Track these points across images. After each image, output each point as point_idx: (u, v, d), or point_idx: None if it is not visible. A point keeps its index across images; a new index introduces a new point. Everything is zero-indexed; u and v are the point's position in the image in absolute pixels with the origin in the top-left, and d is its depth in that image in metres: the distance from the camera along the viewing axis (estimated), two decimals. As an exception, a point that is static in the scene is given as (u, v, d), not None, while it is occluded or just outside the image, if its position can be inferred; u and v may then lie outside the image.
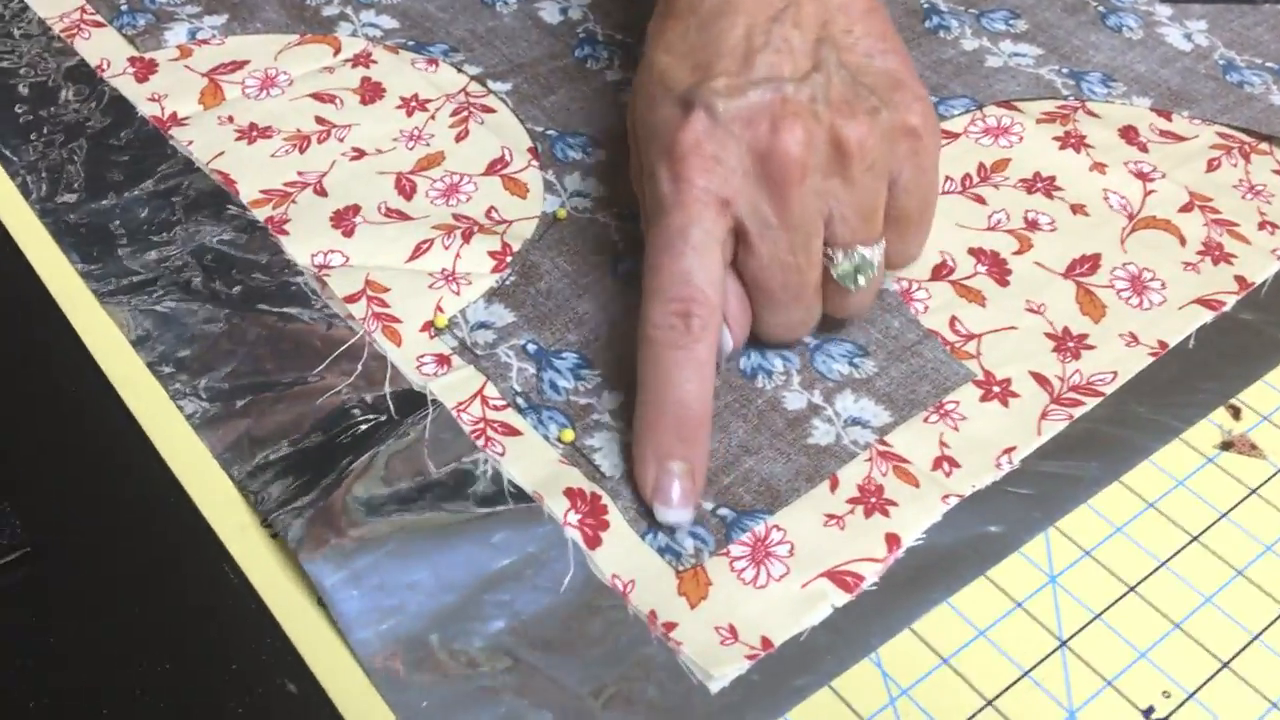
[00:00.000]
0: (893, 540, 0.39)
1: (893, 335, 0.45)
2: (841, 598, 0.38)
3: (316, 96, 0.54)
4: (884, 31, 0.43)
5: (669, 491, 0.38)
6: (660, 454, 0.39)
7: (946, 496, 0.40)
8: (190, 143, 0.51)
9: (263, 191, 0.50)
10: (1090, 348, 0.45)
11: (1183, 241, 0.50)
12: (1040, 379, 0.44)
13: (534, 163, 0.51)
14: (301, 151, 0.51)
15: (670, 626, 0.37)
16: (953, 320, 0.46)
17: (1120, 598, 0.38)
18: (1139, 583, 0.39)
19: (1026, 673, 0.37)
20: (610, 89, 0.55)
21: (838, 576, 0.38)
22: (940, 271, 0.48)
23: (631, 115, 0.44)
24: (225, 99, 0.54)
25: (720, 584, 0.38)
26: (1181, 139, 0.54)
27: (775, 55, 0.40)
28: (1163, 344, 0.46)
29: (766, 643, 0.37)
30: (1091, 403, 0.44)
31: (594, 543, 0.39)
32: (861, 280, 0.42)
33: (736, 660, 0.36)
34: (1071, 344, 0.45)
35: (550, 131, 0.53)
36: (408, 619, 0.36)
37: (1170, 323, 0.46)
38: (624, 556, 0.38)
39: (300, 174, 0.50)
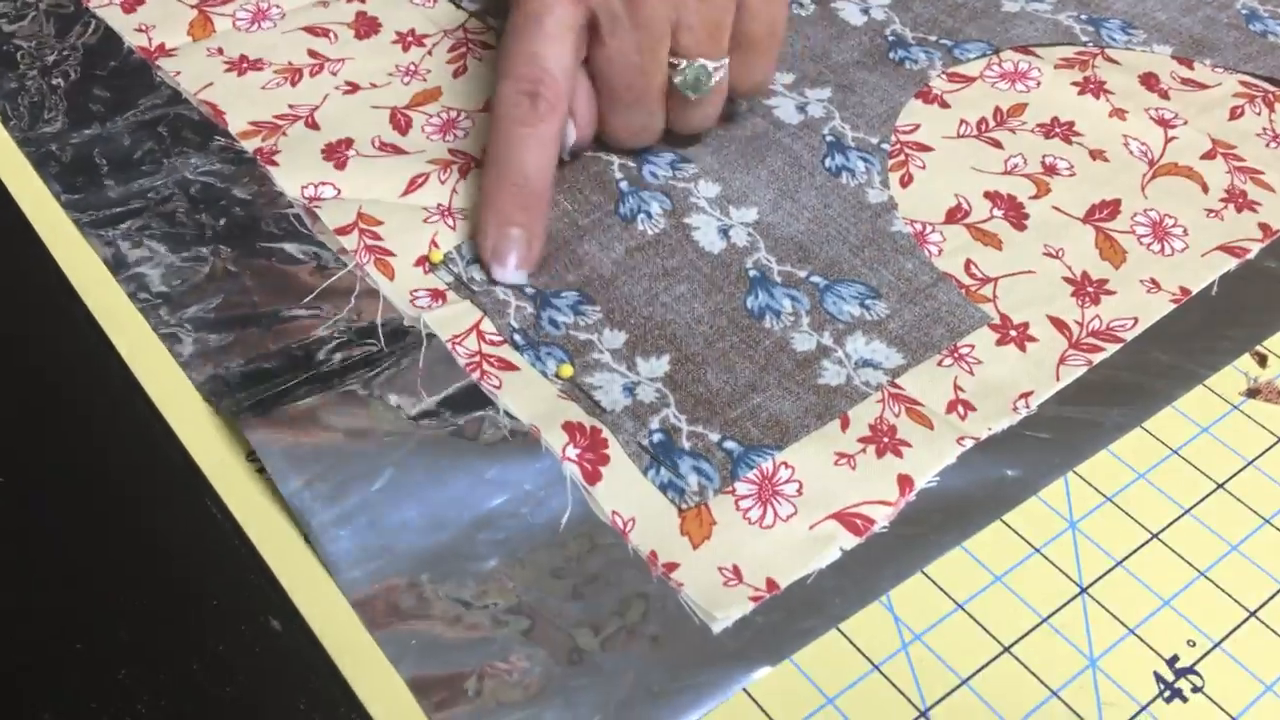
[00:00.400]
0: (905, 482, 0.37)
1: (905, 277, 0.44)
2: (851, 540, 0.36)
3: (309, 30, 0.52)
4: None
5: (506, 255, 0.42)
6: (500, 220, 0.42)
7: (961, 439, 0.39)
8: (178, 74, 0.50)
9: (252, 123, 0.48)
10: (1110, 293, 0.44)
11: (1205, 188, 0.48)
12: (1058, 324, 0.43)
13: (534, 100, 0.49)
14: (293, 85, 0.50)
15: (671, 567, 0.35)
16: (968, 263, 0.44)
17: (1143, 544, 0.37)
18: (1162, 530, 0.37)
19: (1045, 619, 0.35)
20: (614, 28, 0.53)
21: (847, 519, 0.36)
22: (955, 215, 0.46)
23: None
24: (215, 31, 0.52)
25: (725, 523, 0.36)
26: (1204, 86, 0.52)
27: None
28: (1185, 290, 0.44)
29: (772, 584, 0.35)
30: (1112, 349, 0.42)
31: (593, 478, 0.37)
32: (699, 91, 0.44)
33: (740, 601, 0.34)
34: (1091, 289, 0.44)
35: (552, 69, 0.51)
36: (398, 558, 0.35)
37: (1193, 269, 0.45)
38: (624, 492, 0.37)
39: (291, 106, 0.49)
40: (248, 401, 0.37)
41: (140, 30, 0.51)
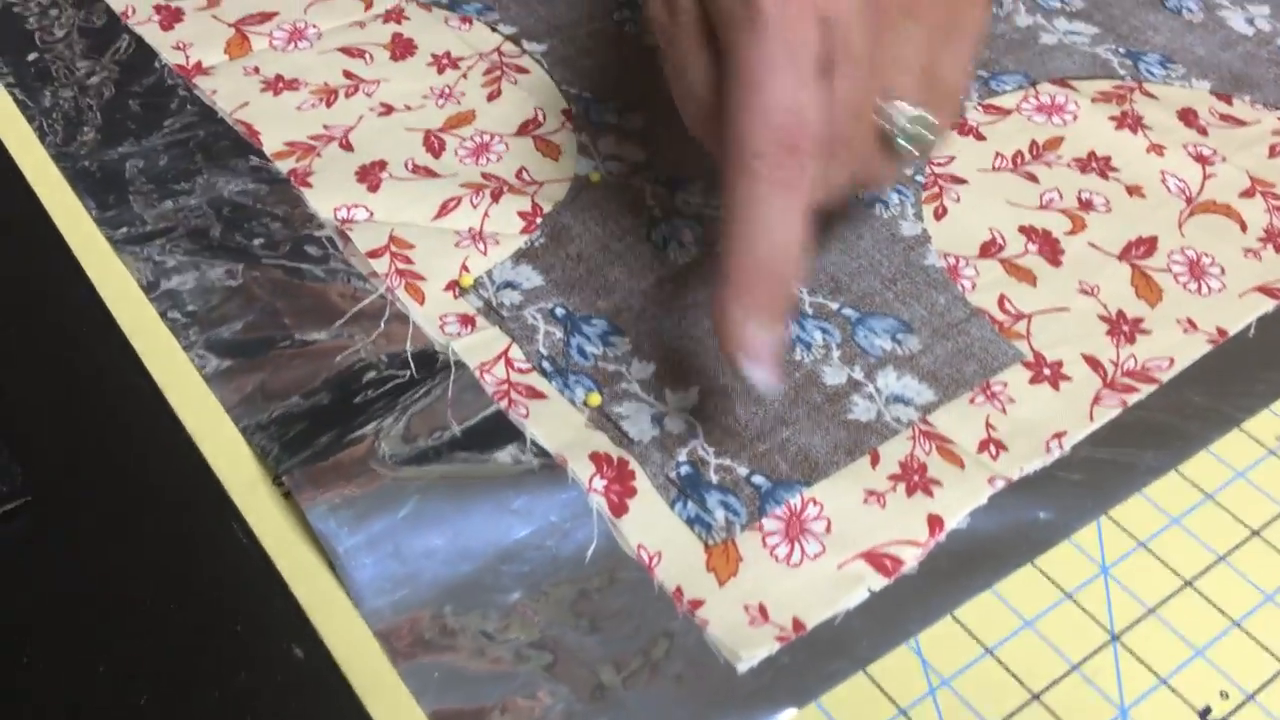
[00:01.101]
0: (935, 523, 0.37)
1: (938, 312, 0.43)
2: (879, 581, 0.36)
3: (345, 51, 0.52)
4: None
5: (759, 346, 0.34)
6: (756, 307, 0.34)
7: (993, 479, 0.38)
8: (214, 92, 0.50)
9: (287, 144, 0.48)
10: (1146, 332, 0.43)
11: (1244, 227, 0.47)
12: (1093, 363, 0.42)
13: (567, 125, 0.50)
14: (328, 105, 0.50)
15: (697, 604, 0.35)
16: (1002, 299, 0.44)
17: (1176, 592, 0.36)
18: (1196, 577, 0.37)
19: (1075, 667, 0.34)
20: (648, 54, 0.53)
21: (876, 559, 0.36)
22: (989, 249, 0.46)
23: None
24: (252, 50, 0.52)
25: (751, 560, 0.36)
26: (1242, 123, 0.52)
27: None
28: (1222, 331, 0.43)
29: (798, 624, 0.35)
30: (1147, 389, 0.41)
31: (619, 510, 0.37)
32: (920, 143, 0.37)
33: (766, 641, 0.34)
34: (1126, 328, 0.43)
35: (585, 94, 0.51)
36: (422, 588, 0.35)
37: (1230, 310, 0.44)
38: (651, 526, 0.36)
39: (326, 128, 0.49)
40: (296, 465, 0.37)
41: (178, 48, 0.52)
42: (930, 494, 0.38)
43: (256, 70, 0.51)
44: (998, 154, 0.50)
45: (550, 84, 0.52)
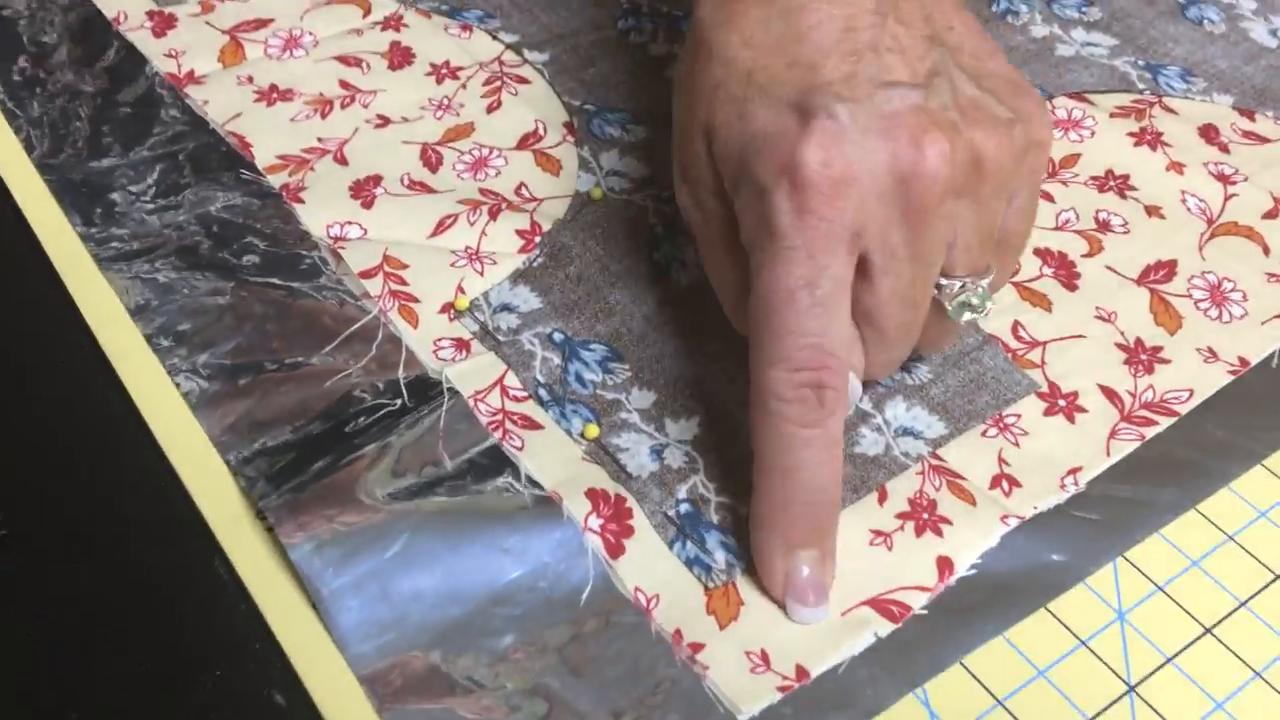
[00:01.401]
0: (945, 565, 0.36)
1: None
2: (886, 627, 0.34)
3: (342, 59, 0.51)
4: (979, 28, 0.37)
5: (804, 589, 0.34)
6: (791, 543, 0.34)
7: (1005, 517, 0.37)
8: (206, 102, 0.48)
9: (280, 157, 0.46)
10: (1165, 361, 0.42)
11: (1266, 250, 0.46)
12: (1110, 394, 0.41)
13: (569, 138, 0.48)
14: (323, 117, 0.48)
15: (697, 648, 0.33)
16: (1015, 325, 0.42)
17: (1195, 640, 0.35)
18: (1216, 624, 0.35)
19: (1091, 719, 0.33)
20: (653, 64, 0.52)
21: (882, 605, 0.35)
22: (1003, 272, 0.44)
23: (701, 116, 0.36)
24: (246, 58, 0.51)
25: (753, 604, 0.35)
26: (1265, 140, 0.50)
27: (890, 56, 0.34)
28: (1244, 361, 0.42)
29: (802, 672, 0.33)
30: (1165, 422, 0.40)
31: (616, 551, 0.35)
32: (970, 315, 0.36)
33: (768, 691, 0.33)
34: (1144, 357, 0.42)
35: (588, 106, 0.49)
36: (409, 632, 0.33)
37: (1252, 338, 0.43)
38: (648, 567, 0.35)
39: (321, 140, 0.47)
40: (278, 498, 0.35)
41: (170, 56, 0.50)
42: (940, 534, 0.36)
43: (250, 79, 0.50)
44: (1012, 171, 0.48)
45: (552, 95, 0.50)
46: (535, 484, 0.36)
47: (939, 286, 0.35)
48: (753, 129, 0.34)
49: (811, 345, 0.33)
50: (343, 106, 0.49)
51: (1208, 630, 0.35)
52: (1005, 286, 0.43)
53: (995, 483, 0.38)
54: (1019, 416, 0.40)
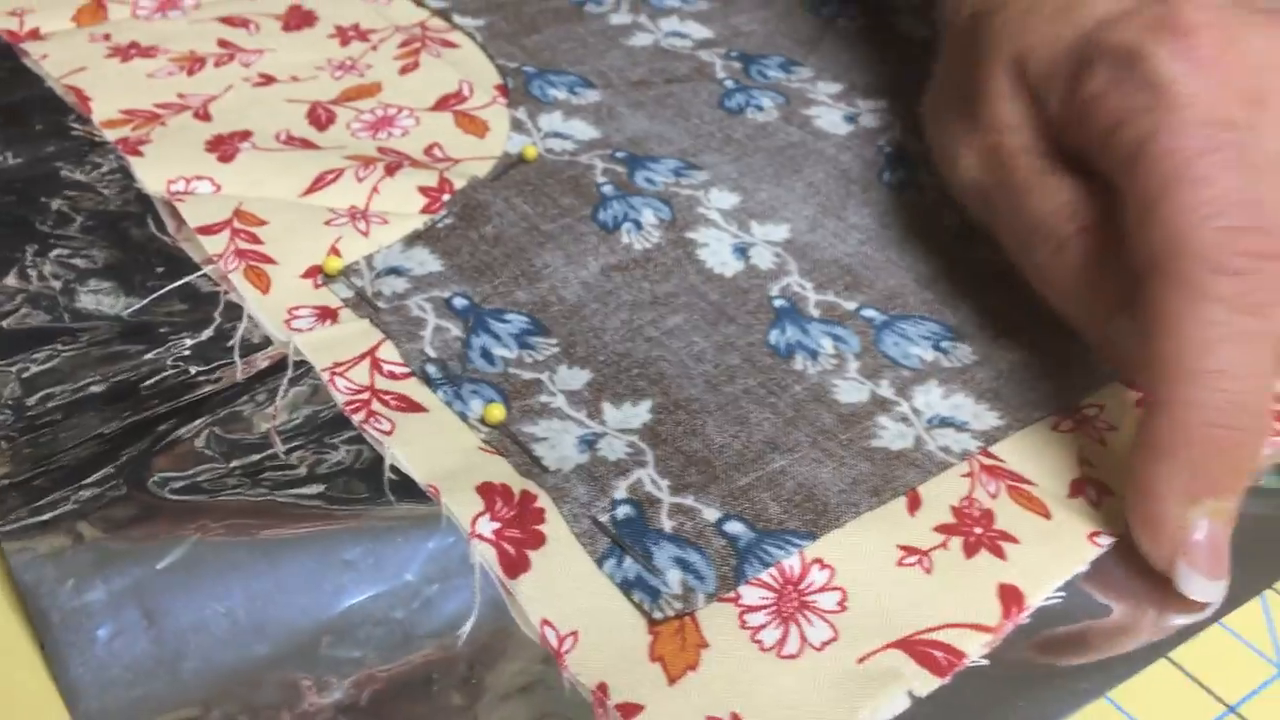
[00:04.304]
0: (1011, 597, 0.24)
1: (999, 314, 0.30)
2: (927, 682, 0.22)
3: (227, 20, 0.41)
4: None
5: (1203, 551, 0.24)
6: (1194, 487, 0.24)
7: (1096, 535, 0.25)
8: (44, 57, 0.38)
9: (124, 111, 0.36)
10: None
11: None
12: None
13: (500, 100, 0.38)
14: (190, 74, 0.38)
15: (631, 710, 0.21)
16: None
17: (1403, 706, 0.22)
18: None
19: (1259, 825, 0.20)
20: (614, 31, 0.42)
21: (919, 649, 0.23)
22: (1063, 245, 0.33)
23: (1005, 50, 0.30)
24: (108, 19, 0.41)
25: (722, 649, 0.22)
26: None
27: None
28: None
29: (797, 748, 0.21)
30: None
31: (517, 567, 0.23)
32: None
33: (743, 775, 0.20)
34: None
35: (527, 68, 0.39)
36: (183, 682, 0.21)
37: None
38: (564, 593, 0.23)
39: (181, 96, 0.37)
40: (29, 519, 0.24)
41: (13, 15, 0.40)
42: (1001, 555, 0.24)
43: (107, 37, 0.40)
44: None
45: (483, 58, 0.40)
46: (402, 475, 0.25)
47: None
48: (1093, 19, 0.28)
49: (1252, 199, 0.24)
50: (216, 65, 0.39)
51: None
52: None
53: (1077, 490, 0.26)
54: (1101, 408, 0.28)
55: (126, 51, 0.39)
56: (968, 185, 0.30)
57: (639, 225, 0.33)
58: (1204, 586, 0.24)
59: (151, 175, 0.33)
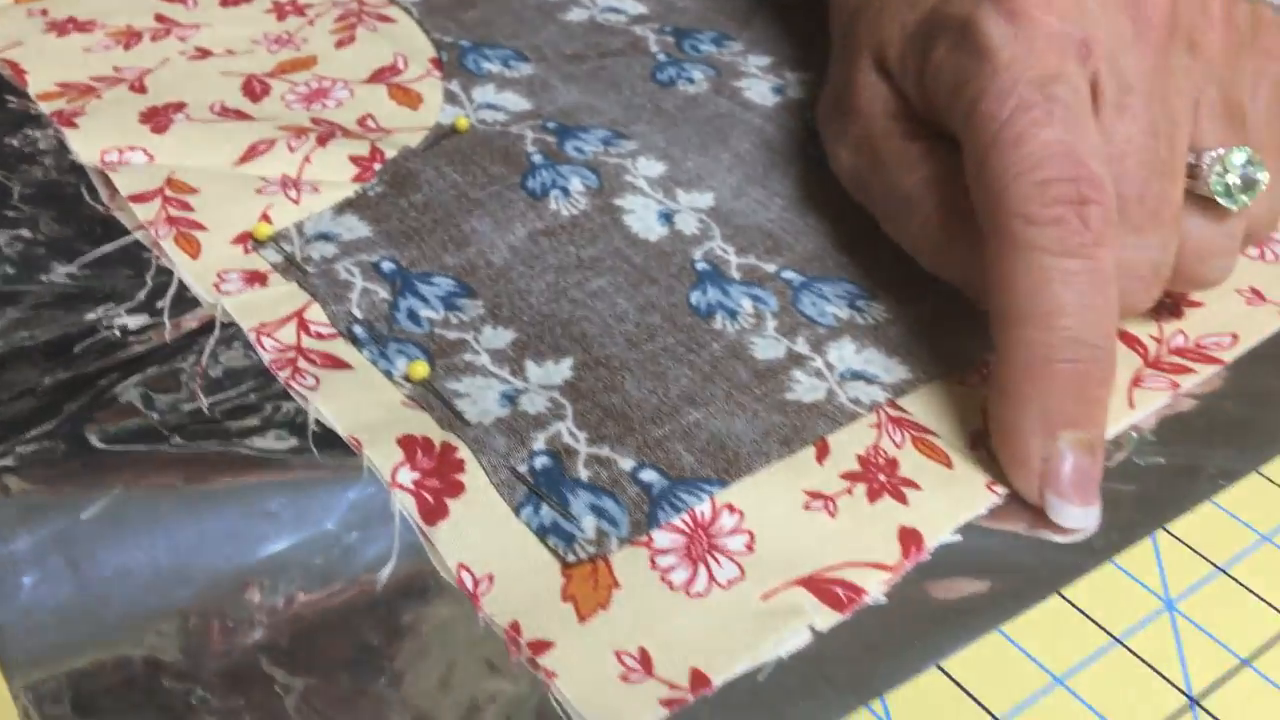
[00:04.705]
0: (911, 538, 0.25)
1: (915, 276, 0.31)
2: (828, 617, 0.23)
3: (164, -5, 0.41)
4: None
5: (1070, 482, 0.25)
6: (1051, 422, 0.25)
7: (994, 485, 0.26)
8: (-19, 32, 0.39)
9: (59, 84, 0.37)
10: (1196, 304, 0.32)
11: (1310, 192, 0.36)
12: (1129, 339, 0.30)
13: (434, 73, 0.38)
14: (126, 48, 0.39)
15: (541, 647, 0.22)
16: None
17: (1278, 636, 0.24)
18: (1307, 616, 0.24)
19: (1137, 746, 0.22)
20: (549, 8, 0.43)
21: (822, 586, 0.24)
22: (979, 210, 0.34)
23: (868, 39, 0.32)
24: (46, -6, 0.41)
25: (632, 588, 0.23)
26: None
27: None
28: (1300, 304, 0.32)
29: (700, 680, 0.22)
30: (1206, 371, 0.30)
31: (435, 514, 0.24)
32: (1241, 198, 0.28)
33: (646, 705, 0.21)
34: (1169, 299, 0.31)
35: (462, 42, 0.40)
36: (106, 624, 0.22)
37: (1307, 279, 0.33)
38: (481, 538, 0.24)
39: (117, 69, 0.38)
40: None
41: (-52, -9, 0.41)
42: (904, 500, 0.25)
43: (44, 13, 0.40)
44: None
45: (418, 32, 0.41)
46: (325, 428, 0.25)
47: (1192, 167, 0.28)
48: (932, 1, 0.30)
49: (1061, 151, 0.25)
50: (153, 39, 0.39)
51: (1296, 624, 0.24)
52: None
53: (977, 442, 0.27)
54: (1009, 364, 0.29)
55: (63, 26, 0.40)
56: (847, 173, 0.32)
57: (567, 192, 0.33)
58: (1074, 514, 0.25)
59: (86, 146, 0.34)
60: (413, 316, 0.29)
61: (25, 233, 0.31)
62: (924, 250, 0.30)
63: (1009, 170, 0.26)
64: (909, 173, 0.30)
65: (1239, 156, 0.27)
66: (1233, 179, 0.27)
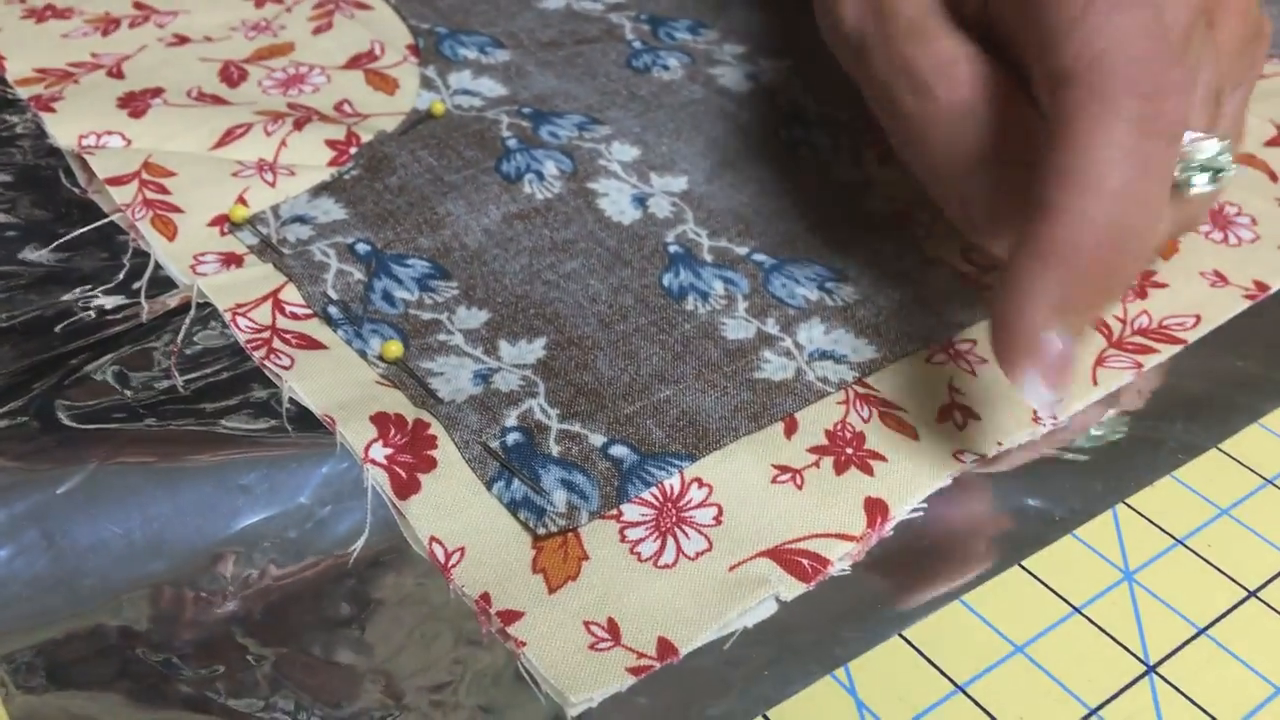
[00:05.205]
0: (876, 509, 0.25)
1: (883, 259, 0.32)
2: (793, 587, 0.24)
3: (142, -17, 0.42)
4: None
5: (1054, 356, 0.24)
6: (1062, 302, 0.24)
7: (960, 454, 0.27)
8: (-42, 19, 0.39)
9: (37, 70, 0.37)
10: (1160, 285, 0.32)
11: (1274, 177, 0.37)
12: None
13: (411, 59, 0.39)
14: (104, 34, 0.39)
15: (511, 617, 0.23)
16: (965, 249, 0.33)
17: (1235, 605, 0.24)
18: (1262, 586, 0.25)
19: (1094, 711, 0.22)
20: (524, -3, 0.43)
21: (788, 557, 0.24)
22: (949, 194, 0.35)
23: None
24: (23, -17, 0.41)
25: (601, 560, 0.24)
26: (1263, 76, 0.41)
27: None
28: (1260, 285, 0.32)
29: (667, 649, 0.22)
30: (1168, 350, 0.30)
31: (408, 488, 0.25)
32: (1216, 180, 0.27)
33: (613, 673, 0.22)
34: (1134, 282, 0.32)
35: (439, 29, 0.40)
36: (81, 595, 0.22)
37: (1270, 261, 0.33)
38: (452, 511, 0.24)
39: (94, 55, 0.38)
40: None
41: (-74, -22, 0.41)
42: (870, 471, 0.26)
43: (23, 0, 0.40)
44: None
45: (395, 19, 0.41)
46: (299, 406, 0.26)
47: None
48: None
49: (1166, 32, 0.25)
50: (131, 25, 0.39)
51: (1251, 593, 0.24)
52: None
53: (945, 415, 0.28)
54: (974, 343, 0.30)
55: (42, 13, 0.40)
56: (844, 31, 0.30)
57: (541, 176, 0.34)
58: (1042, 396, 0.24)
59: (63, 130, 0.34)
60: (387, 297, 0.30)
61: (2, 216, 0.31)
62: (913, 135, 0.28)
63: (1122, 31, 0.24)
64: (925, 50, 0.28)
65: (1213, 146, 0.27)
66: (1197, 167, 0.27)
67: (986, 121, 0.27)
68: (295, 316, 0.29)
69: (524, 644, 0.22)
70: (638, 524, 0.25)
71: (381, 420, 0.26)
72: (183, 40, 0.39)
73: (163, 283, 0.29)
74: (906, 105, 0.28)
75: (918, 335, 0.30)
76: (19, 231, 0.31)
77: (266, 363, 0.27)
